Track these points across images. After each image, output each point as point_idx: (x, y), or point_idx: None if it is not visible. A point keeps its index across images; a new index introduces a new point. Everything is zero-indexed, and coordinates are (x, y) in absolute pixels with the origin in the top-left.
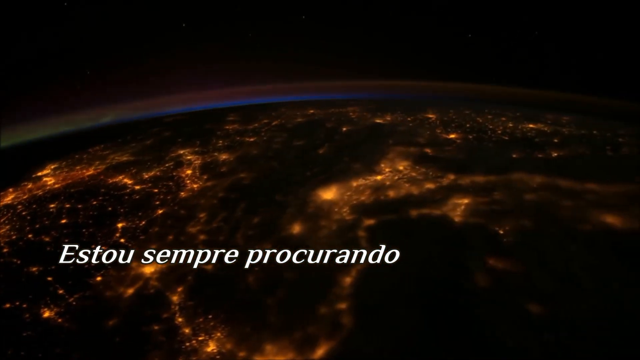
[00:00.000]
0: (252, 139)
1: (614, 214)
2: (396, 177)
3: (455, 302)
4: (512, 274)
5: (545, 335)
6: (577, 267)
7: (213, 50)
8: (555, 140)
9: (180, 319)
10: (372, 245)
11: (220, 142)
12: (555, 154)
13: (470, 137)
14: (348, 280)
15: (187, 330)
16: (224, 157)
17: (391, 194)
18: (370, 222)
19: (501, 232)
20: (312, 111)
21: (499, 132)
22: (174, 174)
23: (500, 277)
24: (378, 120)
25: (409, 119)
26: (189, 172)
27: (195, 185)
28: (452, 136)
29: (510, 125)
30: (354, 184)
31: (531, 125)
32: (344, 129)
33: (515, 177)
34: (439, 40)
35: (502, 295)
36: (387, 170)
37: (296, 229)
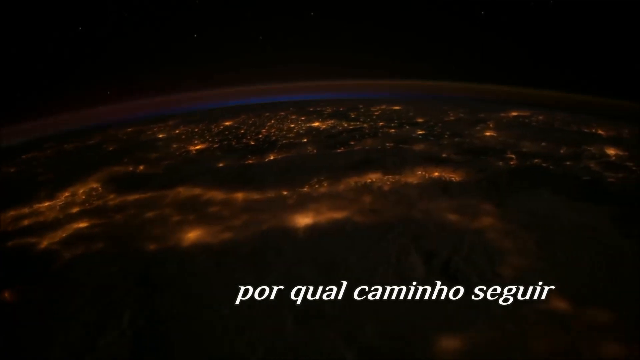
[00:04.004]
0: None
1: (198, 230)
2: (60, 203)
3: None
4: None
5: None
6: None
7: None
8: (304, 140)
9: None
10: None
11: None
12: (272, 157)
13: (215, 145)
14: None
15: None
16: None
17: (25, 222)
18: None
19: (67, 257)
20: (129, 129)
21: (261, 136)
22: None
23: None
24: (160, 135)
25: (196, 129)
26: None
27: None
28: (197, 147)
29: (292, 126)
30: (10, 214)
31: (316, 124)
32: (111, 148)
33: (174, 192)
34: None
35: None
36: (65, 195)
37: None
